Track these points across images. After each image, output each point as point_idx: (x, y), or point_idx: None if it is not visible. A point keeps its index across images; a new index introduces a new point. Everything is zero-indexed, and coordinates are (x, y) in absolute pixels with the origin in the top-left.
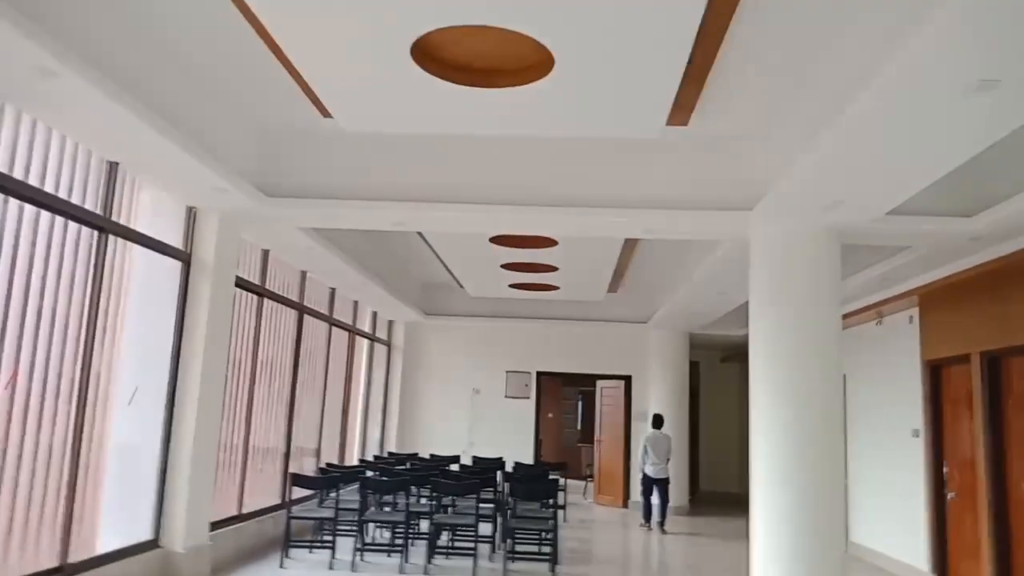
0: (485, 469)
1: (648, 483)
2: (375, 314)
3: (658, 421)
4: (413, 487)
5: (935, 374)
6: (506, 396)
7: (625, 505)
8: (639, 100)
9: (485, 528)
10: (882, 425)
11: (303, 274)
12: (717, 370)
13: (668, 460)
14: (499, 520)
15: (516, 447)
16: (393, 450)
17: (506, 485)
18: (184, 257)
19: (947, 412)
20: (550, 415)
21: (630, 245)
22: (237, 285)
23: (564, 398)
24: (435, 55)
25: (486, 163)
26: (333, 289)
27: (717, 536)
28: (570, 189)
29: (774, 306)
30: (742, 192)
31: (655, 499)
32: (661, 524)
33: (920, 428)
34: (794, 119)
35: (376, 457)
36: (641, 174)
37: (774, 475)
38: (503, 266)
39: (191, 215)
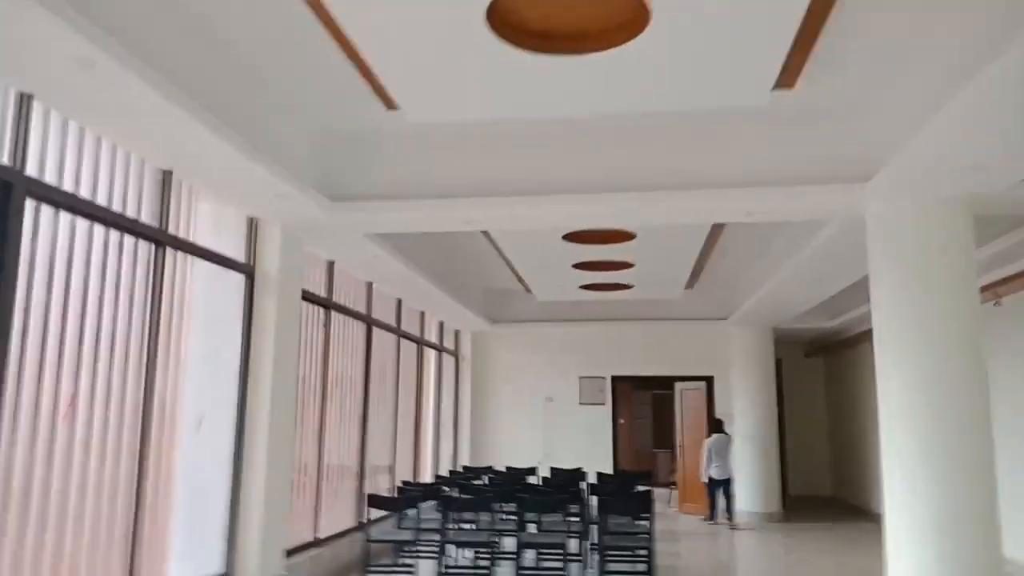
0: (566, 481)
1: (714, 485)
2: (441, 324)
3: (718, 425)
4: (495, 504)
5: None
6: (580, 403)
7: (711, 517)
8: (747, 60)
9: (572, 545)
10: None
11: (369, 285)
12: (801, 366)
13: (729, 461)
14: (588, 537)
15: (593, 456)
16: (467, 464)
17: (594, 498)
18: (247, 270)
19: None
20: (622, 421)
21: (713, 234)
22: (304, 298)
23: (636, 403)
24: (511, 20)
25: (563, 148)
26: (399, 300)
27: (815, 544)
28: (658, 171)
29: (905, 290)
30: (856, 164)
31: (720, 500)
32: (730, 519)
33: None
34: (919, 77)
35: (451, 472)
36: (739, 149)
37: (914, 478)
38: (575, 266)
39: (252, 226)
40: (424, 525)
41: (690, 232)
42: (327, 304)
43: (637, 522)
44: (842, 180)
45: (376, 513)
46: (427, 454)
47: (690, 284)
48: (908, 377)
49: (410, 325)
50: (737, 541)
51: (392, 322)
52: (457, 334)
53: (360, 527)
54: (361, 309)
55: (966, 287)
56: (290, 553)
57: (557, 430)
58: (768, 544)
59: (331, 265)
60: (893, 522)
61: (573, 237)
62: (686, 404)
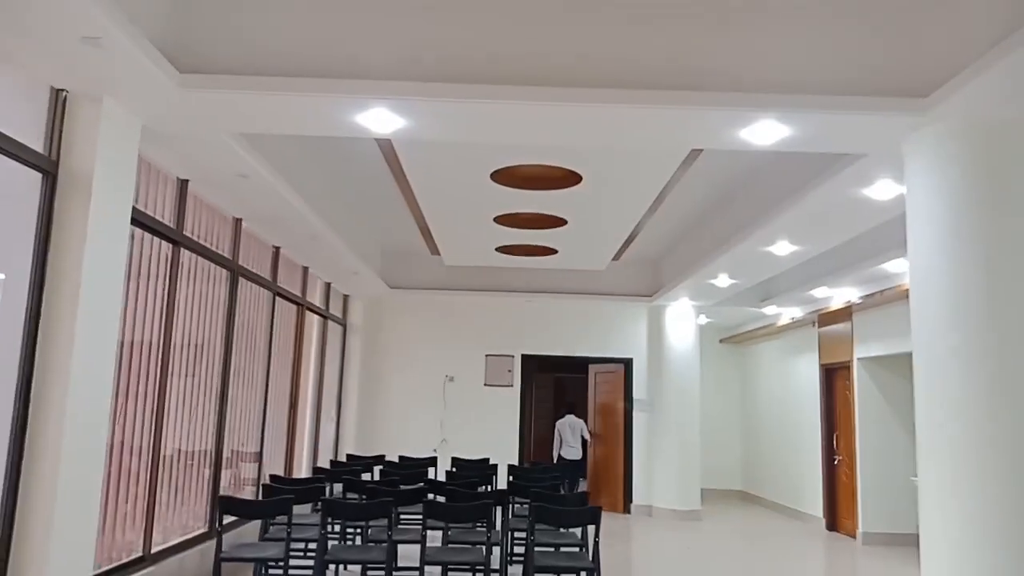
0: (476, 476)
1: (563, 464)
2: (328, 286)
3: (570, 407)
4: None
5: None
6: (486, 384)
7: (626, 510)
8: None
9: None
10: None
11: (237, 223)
12: (716, 353)
13: (584, 442)
14: (507, 548)
15: (498, 444)
16: (352, 452)
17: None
18: (47, 167)
19: None
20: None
21: (659, 198)
22: (138, 224)
23: (539, 385)
24: None
25: (520, 16)
26: (277, 248)
27: (759, 540)
28: (657, 60)
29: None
30: (908, 73)
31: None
32: None
33: None
34: None
35: (333, 463)
36: (759, 45)
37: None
38: (497, 219)
39: (58, 102)
40: (298, 534)
41: (642, 184)
42: (175, 239)
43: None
44: (897, 93)
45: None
46: (304, 440)
47: (618, 255)
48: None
49: (290, 283)
50: (673, 538)
51: (267, 275)
52: (346, 300)
53: (213, 535)
54: (225, 253)
55: None
56: None
57: (458, 414)
58: (695, 541)
59: (183, 185)
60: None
61: (505, 176)
62: (600, 388)
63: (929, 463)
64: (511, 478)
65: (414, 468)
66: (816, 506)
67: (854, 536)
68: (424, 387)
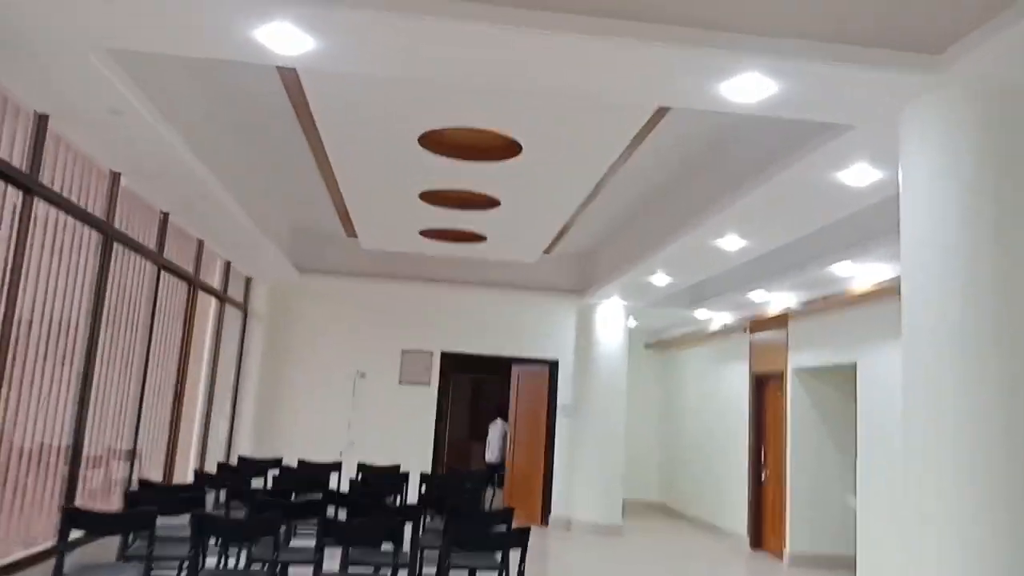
0: (383, 486)
1: (492, 469)
2: (228, 266)
3: (500, 411)
4: (284, 524)
5: None
6: (401, 382)
7: (544, 522)
8: None
9: None
10: None
11: (115, 178)
12: (639, 358)
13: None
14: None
15: (409, 448)
16: (247, 453)
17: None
18: None
19: None
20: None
21: (601, 184)
22: None
23: (456, 386)
24: None
25: None
26: (166, 215)
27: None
28: None
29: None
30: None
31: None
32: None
33: None
34: None
35: (221, 467)
36: None
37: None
38: (422, 196)
39: None
40: (170, 551)
41: (589, 160)
42: (27, 185)
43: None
44: (907, 47)
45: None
46: (193, 438)
47: (550, 248)
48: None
49: (181, 257)
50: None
51: (152, 244)
52: (249, 282)
53: (57, 553)
54: (97, 212)
55: None
56: None
57: (368, 415)
58: (616, 561)
59: (42, 121)
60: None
61: (435, 142)
62: (523, 390)
63: (913, 474)
64: (424, 488)
65: (313, 475)
66: (740, 523)
67: (780, 556)
68: (332, 383)
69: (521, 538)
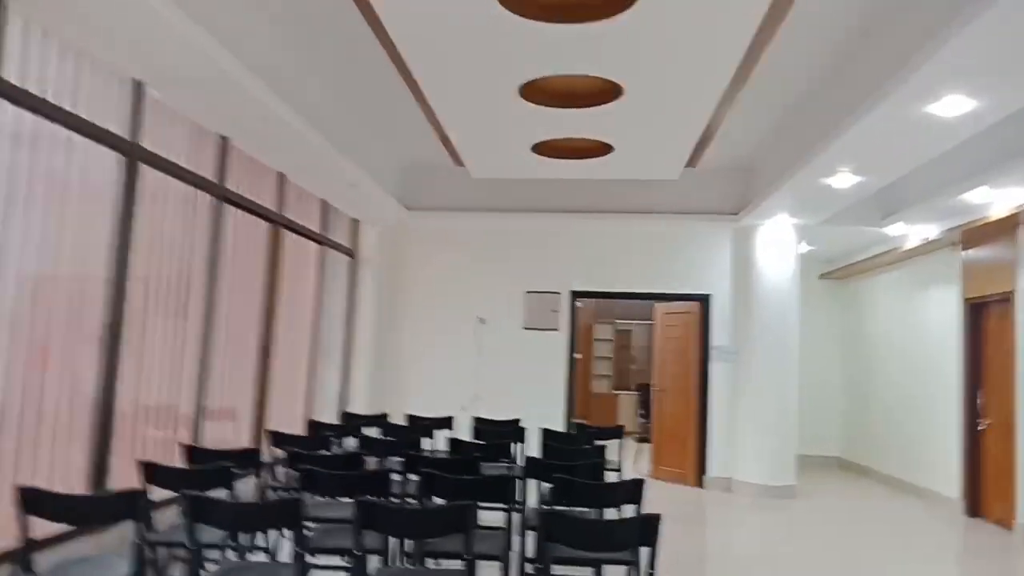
0: (492, 446)
1: None
2: (325, 207)
3: None
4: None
5: None
6: (525, 328)
7: (698, 483)
8: None
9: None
10: None
11: (224, 143)
12: (813, 291)
13: None
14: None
15: (540, 401)
16: (362, 409)
17: (540, 486)
18: None
19: None
20: (578, 355)
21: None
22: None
23: (597, 336)
24: None
25: None
26: (282, 175)
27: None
28: None
29: None
30: None
31: None
32: None
33: None
34: None
35: (314, 424)
36: None
37: None
38: (526, 94)
39: None
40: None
41: (714, 55)
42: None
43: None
44: None
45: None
46: (290, 393)
47: (695, 160)
48: None
49: (253, 189)
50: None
51: (211, 173)
52: (355, 225)
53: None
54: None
55: None
56: None
57: (492, 364)
58: (792, 528)
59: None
60: None
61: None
62: (668, 333)
63: None
64: (545, 448)
65: (416, 433)
66: (949, 484)
67: (1009, 527)
68: (451, 330)
69: (647, 534)
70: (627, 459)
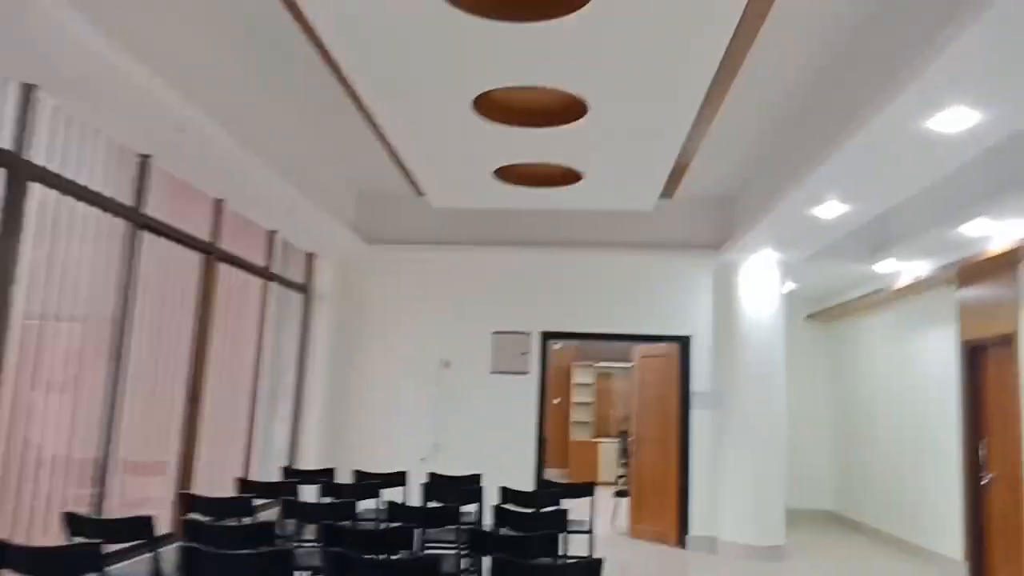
0: (436, 511)
1: None
2: (272, 236)
3: None
4: None
5: None
6: (493, 371)
7: (680, 542)
8: None
9: None
10: None
11: (144, 161)
12: (800, 332)
13: None
14: None
15: (509, 451)
16: (308, 464)
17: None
18: None
19: None
20: (556, 400)
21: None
22: None
23: (576, 380)
24: None
25: None
26: (219, 202)
27: None
28: None
29: None
30: None
31: None
32: None
33: None
34: None
35: (243, 484)
36: None
37: None
38: (481, 109)
39: None
40: None
41: (686, 63)
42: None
43: None
44: None
45: None
46: (235, 444)
47: (671, 189)
48: None
49: (182, 216)
50: None
51: (126, 199)
52: (310, 259)
53: None
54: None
55: None
56: None
57: (456, 411)
58: None
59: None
60: None
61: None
62: (647, 377)
63: None
64: (498, 513)
65: (362, 490)
66: (951, 544)
67: None
68: (412, 375)
69: None
70: (603, 515)
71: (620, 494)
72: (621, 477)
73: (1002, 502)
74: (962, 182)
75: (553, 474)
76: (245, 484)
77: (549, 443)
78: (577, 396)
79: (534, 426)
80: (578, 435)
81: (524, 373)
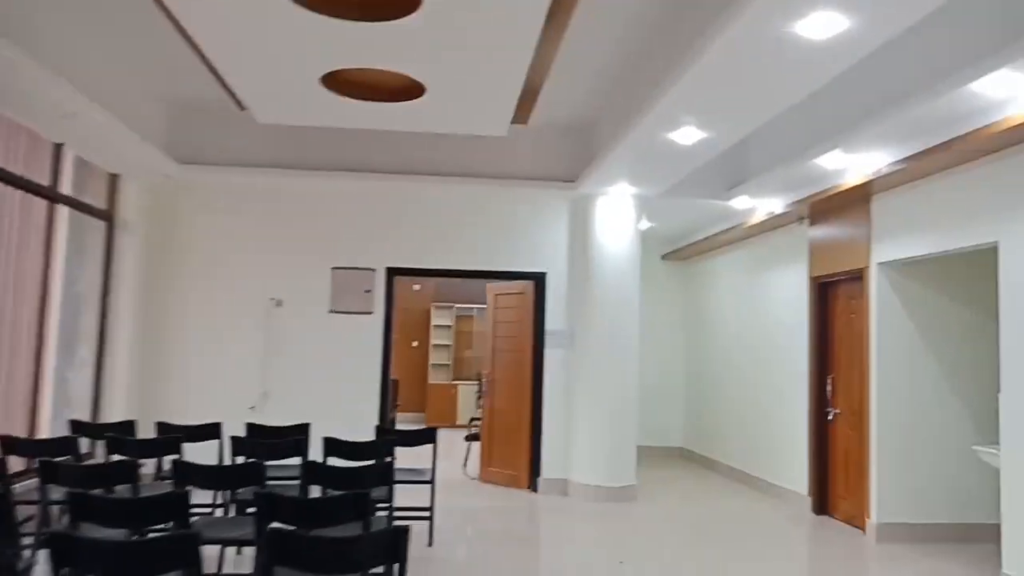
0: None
1: None
2: (60, 152)
3: None
4: None
5: None
6: (332, 311)
7: (531, 486)
8: None
9: None
10: None
11: None
12: (655, 272)
13: None
14: None
15: (351, 398)
16: (116, 416)
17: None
18: None
19: None
20: (415, 343)
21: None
22: None
23: (435, 321)
24: None
25: None
26: None
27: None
28: None
29: None
30: None
31: None
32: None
33: None
34: None
35: (6, 442)
36: None
37: None
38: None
39: None
40: None
41: None
42: None
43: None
44: None
45: None
46: (15, 393)
47: (524, 116)
48: None
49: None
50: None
51: None
52: (113, 180)
53: None
54: None
55: None
56: None
57: (289, 355)
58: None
59: None
60: None
61: None
62: (500, 316)
63: None
64: (307, 469)
65: (164, 445)
66: (797, 479)
67: (862, 528)
68: (239, 315)
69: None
70: (455, 461)
71: (471, 438)
72: (475, 420)
73: (846, 437)
74: (817, 112)
75: (410, 419)
76: (7, 442)
77: (406, 387)
78: (436, 338)
79: (379, 370)
80: (437, 378)
81: (368, 313)
